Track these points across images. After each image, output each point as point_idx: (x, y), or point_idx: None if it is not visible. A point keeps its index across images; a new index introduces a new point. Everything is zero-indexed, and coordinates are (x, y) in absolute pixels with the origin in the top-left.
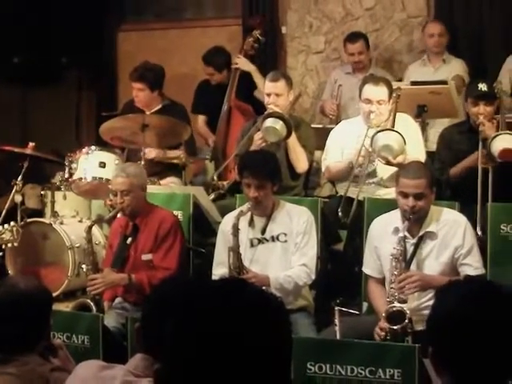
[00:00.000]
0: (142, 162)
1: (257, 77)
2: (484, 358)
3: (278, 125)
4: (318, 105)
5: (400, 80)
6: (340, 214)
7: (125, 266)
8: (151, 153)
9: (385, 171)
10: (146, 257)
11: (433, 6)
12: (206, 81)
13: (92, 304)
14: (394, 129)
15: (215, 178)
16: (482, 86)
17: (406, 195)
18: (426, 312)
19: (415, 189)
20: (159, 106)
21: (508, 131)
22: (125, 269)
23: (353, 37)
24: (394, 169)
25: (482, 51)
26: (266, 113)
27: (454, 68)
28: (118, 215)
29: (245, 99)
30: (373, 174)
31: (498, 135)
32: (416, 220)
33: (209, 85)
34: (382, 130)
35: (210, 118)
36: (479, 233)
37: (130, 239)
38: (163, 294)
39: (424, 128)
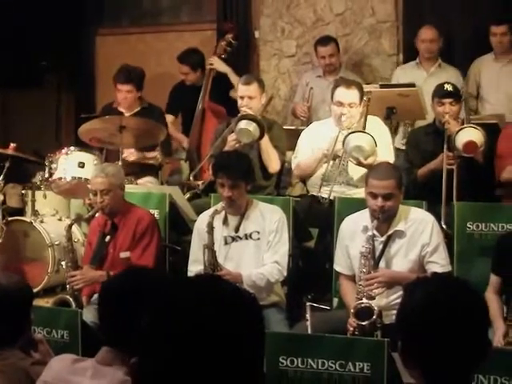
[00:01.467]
0: (120, 163)
1: (233, 77)
2: (450, 352)
3: (252, 126)
4: (289, 107)
5: (369, 83)
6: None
7: (103, 264)
8: (131, 156)
9: (355, 171)
10: (123, 254)
11: (401, 11)
12: (180, 82)
13: (71, 300)
14: (366, 131)
15: (191, 178)
16: (448, 87)
17: (375, 195)
18: (395, 310)
19: (384, 189)
20: (138, 108)
21: (471, 125)
22: (103, 266)
23: (324, 40)
24: (364, 169)
25: (450, 56)
26: (239, 115)
27: (449, 75)
28: (97, 214)
29: (218, 101)
30: (344, 173)
31: (461, 129)
32: (385, 219)
33: (183, 86)
34: (354, 132)
35: (185, 118)
36: (444, 226)
37: (108, 237)
38: (133, 286)
39: (393, 129)
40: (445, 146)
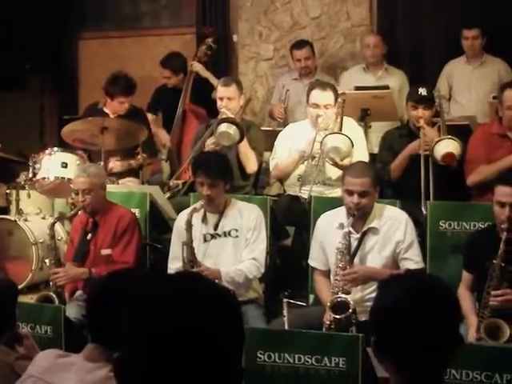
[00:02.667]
0: (102, 163)
1: (213, 80)
2: (423, 347)
3: (232, 129)
4: (267, 109)
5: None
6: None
7: (85, 261)
8: (117, 167)
9: (333, 171)
10: (105, 252)
11: (375, 16)
12: (163, 85)
13: (54, 296)
14: (343, 132)
15: (174, 180)
16: (422, 91)
17: (351, 193)
18: (370, 303)
19: (360, 187)
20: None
21: (450, 136)
22: (85, 263)
23: (299, 44)
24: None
25: (422, 60)
26: (219, 118)
27: (396, 78)
28: (79, 212)
29: (199, 103)
30: (321, 174)
31: (440, 140)
32: (360, 216)
33: (166, 89)
34: (332, 133)
35: (165, 118)
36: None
37: (90, 235)
38: (118, 286)
39: (367, 131)
40: (421, 135)
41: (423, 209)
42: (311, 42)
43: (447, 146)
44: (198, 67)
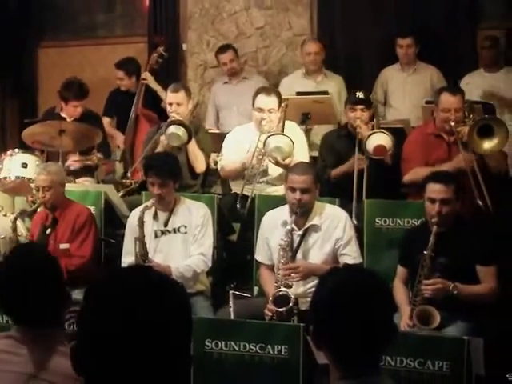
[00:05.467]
0: (60, 163)
1: (162, 94)
2: (358, 335)
3: (180, 131)
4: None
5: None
6: (238, 206)
7: None
8: (75, 164)
9: (274, 171)
10: (63, 246)
11: (316, 25)
12: (116, 89)
13: None
14: (285, 133)
15: (129, 174)
16: (360, 94)
17: (293, 190)
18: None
19: (302, 184)
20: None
21: (381, 130)
22: None
23: (222, 48)
24: (282, 169)
25: (360, 67)
26: (169, 120)
27: (335, 83)
28: (39, 209)
29: (150, 107)
30: (264, 173)
31: (372, 134)
32: (302, 214)
33: (119, 92)
34: (274, 134)
35: (119, 121)
36: (355, 221)
37: (49, 230)
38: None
39: (308, 133)
40: (356, 149)
41: (353, 208)
42: (234, 45)
43: (378, 139)
44: (149, 79)
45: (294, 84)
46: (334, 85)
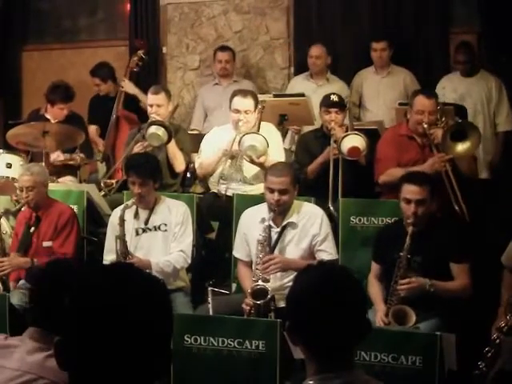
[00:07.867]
0: (43, 163)
1: (141, 96)
2: (332, 330)
3: (160, 131)
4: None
5: (264, 93)
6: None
7: (28, 252)
8: (60, 157)
9: (250, 171)
10: (46, 244)
11: (292, 29)
12: (96, 95)
13: None
14: (259, 132)
15: (107, 179)
16: (334, 97)
17: (272, 190)
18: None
19: (280, 185)
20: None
21: (355, 132)
22: (28, 254)
23: (223, 47)
24: (258, 168)
25: (335, 70)
26: (149, 121)
27: (335, 87)
28: (23, 208)
29: (130, 109)
30: (240, 173)
31: (346, 136)
32: (280, 212)
33: (98, 97)
34: (249, 133)
35: (101, 125)
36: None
37: (33, 228)
38: (57, 275)
39: (284, 134)
40: (331, 140)
41: (330, 206)
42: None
43: (352, 141)
44: (126, 87)
45: (296, 85)
46: (335, 89)
